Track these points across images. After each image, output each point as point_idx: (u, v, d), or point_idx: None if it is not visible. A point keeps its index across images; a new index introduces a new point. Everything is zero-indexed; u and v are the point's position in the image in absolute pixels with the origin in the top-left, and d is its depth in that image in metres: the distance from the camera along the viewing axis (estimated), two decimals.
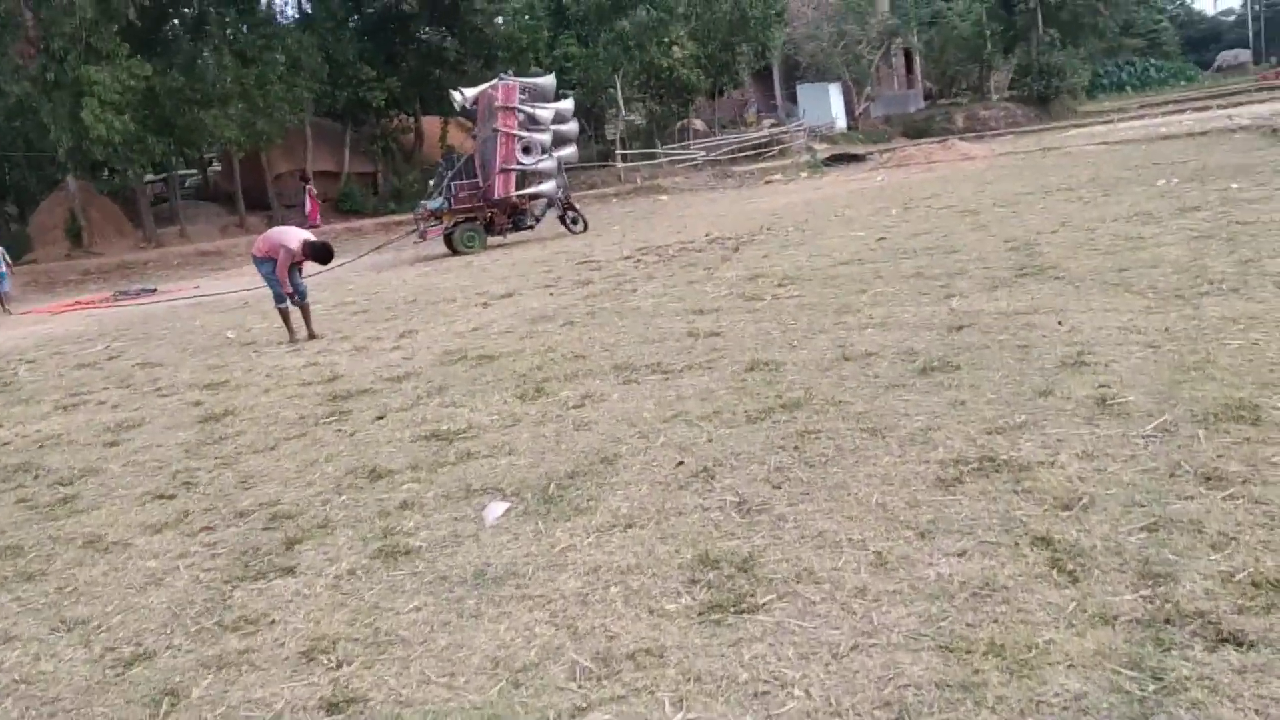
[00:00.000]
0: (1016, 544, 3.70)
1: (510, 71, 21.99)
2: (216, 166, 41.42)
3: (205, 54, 31.75)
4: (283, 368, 9.76)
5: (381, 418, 7.07)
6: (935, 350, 6.61)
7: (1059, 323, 6.86)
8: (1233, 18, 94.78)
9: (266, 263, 11.31)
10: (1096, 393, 5.26)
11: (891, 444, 4.95)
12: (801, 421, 5.52)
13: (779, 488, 4.60)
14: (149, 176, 37.45)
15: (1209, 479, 4.05)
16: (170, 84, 30.26)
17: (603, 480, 5.05)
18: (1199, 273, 7.86)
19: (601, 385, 7.08)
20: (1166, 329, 6.36)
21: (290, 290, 11.27)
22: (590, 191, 34.82)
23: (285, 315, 11.44)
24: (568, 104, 22.14)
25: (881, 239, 12.66)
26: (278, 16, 35.91)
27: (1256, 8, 76.22)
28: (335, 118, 37.75)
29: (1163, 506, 3.86)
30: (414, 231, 21.98)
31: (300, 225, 30.47)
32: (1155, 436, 4.58)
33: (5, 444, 8.04)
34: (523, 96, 20.81)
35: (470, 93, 21.34)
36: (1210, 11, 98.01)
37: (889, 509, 4.19)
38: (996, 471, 4.40)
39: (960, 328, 7.15)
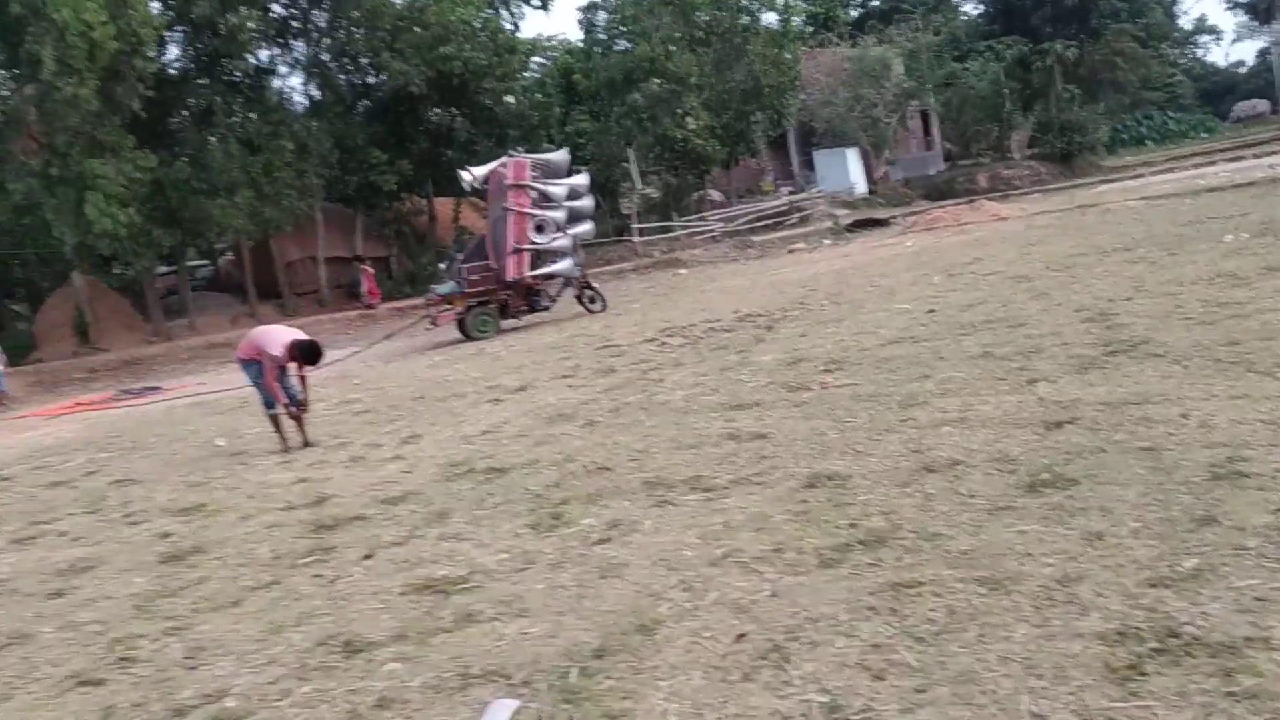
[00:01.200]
0: None
1: (520, 149, 21.11)
2: (230, 256, 40.81)
3: (212, 143, 31.13)
4: (269, 485, 8.62)
5: (369, 557, 5.90)
6: (1038, 456, 5.41)
7: (1183, 416, 5.65)
8: (1244, 69, 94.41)
9: (252, 365, 10.22)
10: (1278, 519, 4.05)
11: (1022, 604, 3.73)
12: (890, 565, 4.31)
13: (881, 679, 3.38)
14: (161, 268, 36.80)
15: None
16: (176, 175, 29.65)
17: (640, 661, 3.85)
18: None
19: (631, 509, 5.90)
20: None
21: (285, 399, 10.17)
22: (607, 268, 33.89)
23: (276, 422, 10.32)
24: (582, 179, 21.22)
25: (931, 311, 11.49)
26: (286, 104, 35.35)
27: (1270, 58, 75.70)
28: (346, 203, 37.08)
29: None
30: (426, 318, 20.97)
31: (365, 306, 29.59)
32: None
33: None
34: (534, 173, 19.91)
35: (480, 171, 20.47)
36: (1222, 64, 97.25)
37: None
38: (1188, 654, 3.17)
39: (1060, 424, 5.94)
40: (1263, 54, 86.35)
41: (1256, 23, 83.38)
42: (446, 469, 7.88)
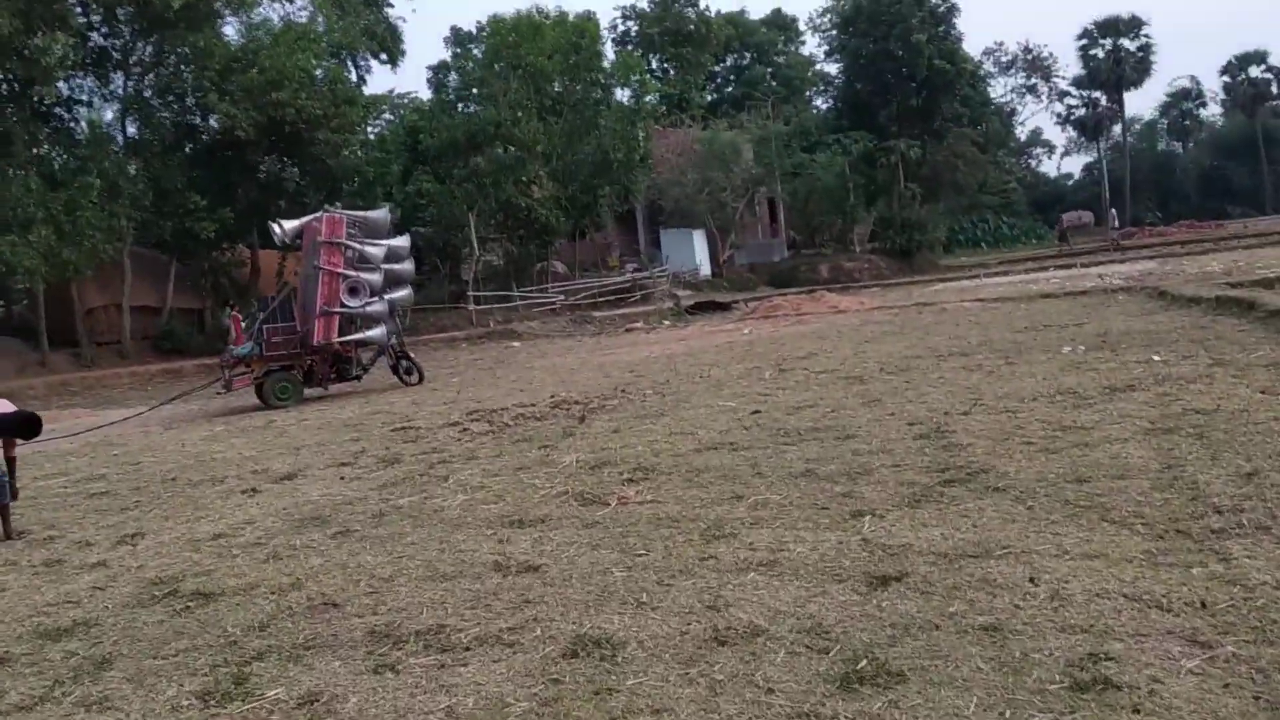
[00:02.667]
0: None
1: (337, 205, 19.56)
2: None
3: (9, 174, 28.43)
4: None
5: None
6: (858, 629, 4.27)
7: (1032, 581, 4.62)
8: (1072, 181, 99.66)
9: None
10: None
11: None
12: None
13: None
14: None
15: None
16: None
17: None
18: (1191, 491, 5.77)
19: (340, 674, 4.50)
20: (1203, 604, 4.17)
21: None
22: (439, 335, 32.42)
23: None
24: (403, 241, 19.79)
25: (756, 412, 10.46)
26: (99, 139, 32.64)
27: (1096, 173, 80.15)
28: (160, 248, 34.53)
29: None
30: (218, 380, 19.05)
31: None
32: None
33: None
34: (351, 230, 18.39)
35: (291, 225, 18.83)
36: (1053, 175, 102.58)
37: None
38: None
39: (886, 581, 4.84)
40: (1089, 168, 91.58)
41: (1084, 139, 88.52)
42: (147, 588, 6.29)
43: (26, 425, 8.38)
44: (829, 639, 4.23)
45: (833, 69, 59.55)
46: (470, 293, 35.58)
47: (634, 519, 6.63)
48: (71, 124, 32.31)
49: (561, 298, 37.55)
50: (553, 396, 14.08)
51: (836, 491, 6.72)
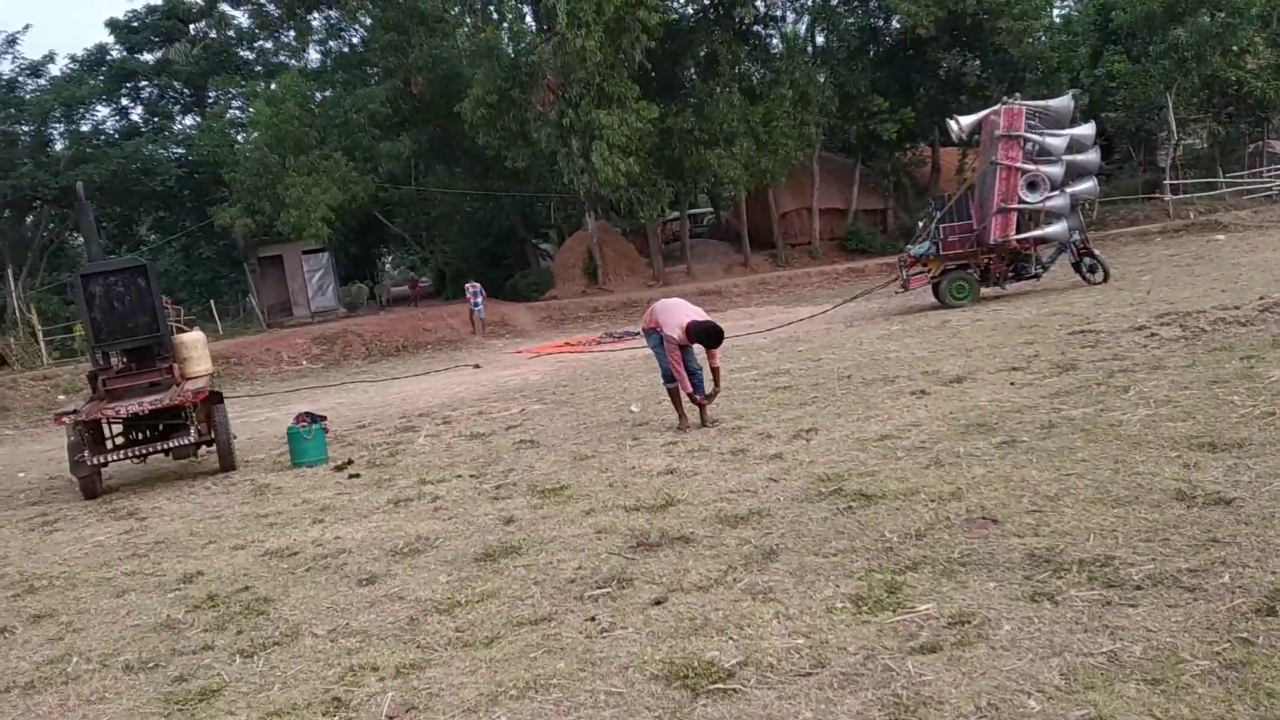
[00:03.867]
0: None
1: (1017, 96, 18.67)
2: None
3: (716, 93, 31.42)
4: (636, 472, 7.84)
5: (660, 603, 4.81)
6: None
7: None
8: None
9: (653, 335, 9.57)
10: None
11: None
12: None
13: None
14: (673, 214, 37.98)
15: None
16: (680, 125, 30.31)
17: None
18: None
19: (994, 596, 4.29)
20: None
21: (689, 387, 9.38)
22: (1128, 229, 30.06)
23: (673, 396, 9.60)
24: (1087, 129, 18.38)
25: None
26: (790, 51, 34.70)
27: None
28: (845, 152, 36.08)
29: None
30: (896, 279, 19.45)
31: None
32: None
33: (290, 553, 6.86)
34: (1031, 122, 17.55)
35: (968, 121, 18.47)
36: None
37: None
38: None
39: None
40: None
41: None
42: (815, 484, 6.58)
43: (713, 334, 9.19)
44: None
45: None
46: (1166, 181, 32.40)
47: None
48: (768, 39, 34.60)
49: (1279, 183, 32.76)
50: (1262, 298, 12.27)
51: None
